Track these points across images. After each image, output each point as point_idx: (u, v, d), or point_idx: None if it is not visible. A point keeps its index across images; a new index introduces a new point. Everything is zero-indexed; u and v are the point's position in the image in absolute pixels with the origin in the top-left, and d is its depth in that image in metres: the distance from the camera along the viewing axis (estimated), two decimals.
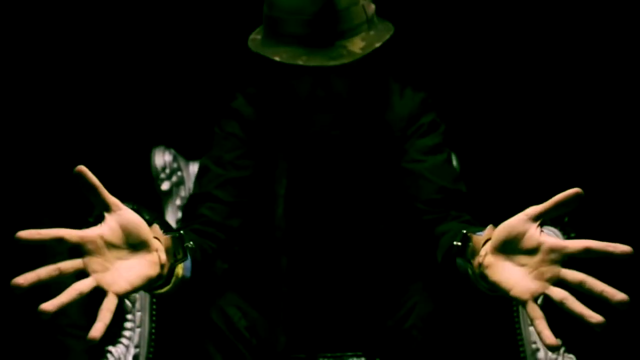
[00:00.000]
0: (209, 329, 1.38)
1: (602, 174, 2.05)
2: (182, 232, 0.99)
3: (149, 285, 0.93)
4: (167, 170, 1.77)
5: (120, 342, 1.62)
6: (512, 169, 2.08)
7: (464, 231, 1.00)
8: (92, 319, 0.82)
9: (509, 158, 2.10)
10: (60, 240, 0.83)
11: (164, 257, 0.94)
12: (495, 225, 0.94)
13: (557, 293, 0.86)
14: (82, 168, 0.85)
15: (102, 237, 0.87)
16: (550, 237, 0.89)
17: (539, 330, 0.85)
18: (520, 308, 1.64)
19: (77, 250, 0.86)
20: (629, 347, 2.06)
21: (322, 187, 1.49)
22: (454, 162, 1.76)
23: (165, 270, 0.95)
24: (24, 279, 0.80)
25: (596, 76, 2.12)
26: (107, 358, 1.59)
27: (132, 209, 0.92)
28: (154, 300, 1.66)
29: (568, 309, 0.84)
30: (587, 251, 0.85)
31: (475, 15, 2.13)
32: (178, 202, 1.78)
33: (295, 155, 1.48)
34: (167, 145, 1.79)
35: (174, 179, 1.78)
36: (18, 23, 2.09)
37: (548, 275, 0.87)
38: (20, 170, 2.07)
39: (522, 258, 0.90)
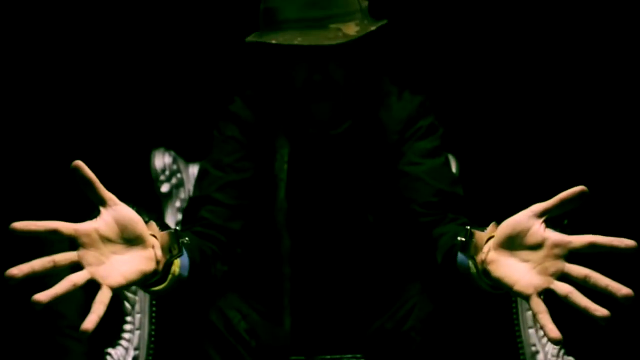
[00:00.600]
0: (209, 331, 1.38)
1: (602, 177, 2.05)
2: (177, 228, 0.99)
3: (144, 281, 0.94)
4: (167, 172, 1.77)
5: (120, 344, 1.62)
6: (510, 171, 2.08)
7: (468, 227, 1.00)
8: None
9: (508, 161, 2.10)
10: (54, 232, 0.84)
11: (159, 253, 0.95)
12: (498, 223, 0.95)
13: (562, 287, 0.86)
14: (79, 163, 0.86)
15: (97, 231, 0.87)
16: (555, 233, 0.89)
17: (543, 324, 0.84)
18: (520, 311, 1.64)
19: (74, 243, 0.86)
20: (629, 348, 2.06)
21: (320, 189, 1.50)
22: (453, 165, 1.77)
23: (161, 266, 0.95)
24: (18, 270, 0.81)
25: (596, 78, 2.12)
26: None
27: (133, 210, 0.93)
28: (154, 302, 1.66)
29: (573, 303, 0.84)
30: (592, 246, 0.85)
31: (474, 17, 2.13)
32: (178, 204, 1.78)
33: (294, 157, 1.48)
34: (167, 147, 1.79)
35: (174, 180, 1.78)
36: (18, 23, 2.09)
37: (552, 270, 0.87)
38: (20, 171, 2.07)
39: (526, 254, 0.90)
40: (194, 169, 1.80)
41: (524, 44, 2.13)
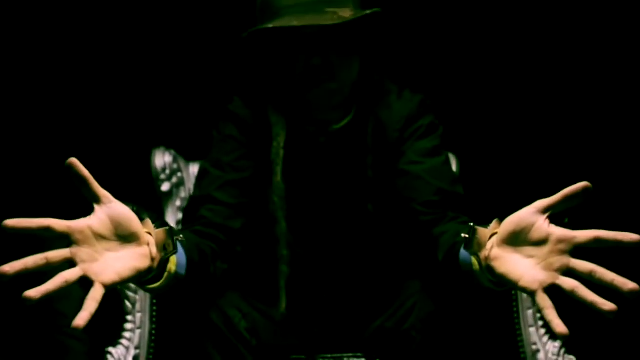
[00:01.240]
0: (209, 330, 1.38)
1: (603, 174, 2.05)
2: (172, 226, 0.99)
3: (139, 278, 0.94)
4: (167, 171, 1.77)
5: (121, 343, 1.62)
6: (511, 170, 2.08)
7: (471, 224, 1.00)
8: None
9: (508, 160, 2.10)
10: (47, 229, 0.84)
11: (154, 250, 0.95)
12: (500, 221, 0.95)
13: (568, 282, 0.86)
14: (73, 160, 0.86)
15: (90, 228, 0.88)
16: (559, 228, 0.89)
17: (549, 319, 0.84)
18: (521, 309, 1.64)
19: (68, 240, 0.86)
20: (629, 348, 2.06)
21: (317, 174, 1.50)
22: (454, 164, 1.77)
23: (156, 263, 0.95)
24: (11, 267, 0.81)
25: (595, 76, 2.12)
26: (107, 359, 1.59)
27: (132, 210, 0.93)
28: (155, 301, 1.67)
29: (580, 297, 0.84)
30: (597, 241, 0.85)
31: (474, 16, 2.13)
32: (178, 203, 1.78)
33: (291, 142, 1.48)
34: (167, 146, 1.79)
35: (174, 180, 1.78)
36: (18, 24, 2.09)
37: (557, 265, 0.87)
38: (20, 172, 2.07)
39: (531, 249, 0.90)
40: (194, 168, 1.80)
41: (523, 43, 2.13)
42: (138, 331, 1.64)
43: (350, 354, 1.50)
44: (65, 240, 0.86)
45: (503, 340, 1.72)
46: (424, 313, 1.37)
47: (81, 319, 0.81)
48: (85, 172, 0.87)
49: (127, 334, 1.63)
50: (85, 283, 0.86)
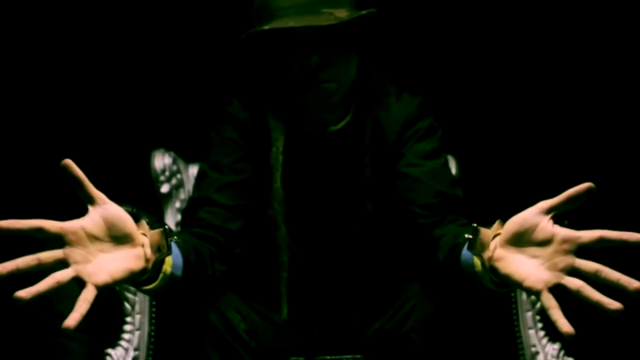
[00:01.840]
0: (208, 331, 1.38)
1: (603, 175, 2.05)
2: (167, 227, 0.99)
3: (133, 280, 0.94)
4: (167, 173, 1.77)
5: (120, 345, 1.62)
6: (510, 172, 2.08)
7: (474, 224, 1.00)
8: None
9: (508, 161, 2.10)
10: (40, 230, 0.84)
11: (149, 251, 0.94)
12: (503, 221, 0.95)
13: (573, 282, 0.86)
14: (68, 161, 0.86)
15: (83, 229, 0.88)
16: (563, 229, 0.89)
17: (555, 319, 0.84)
18: (520, 311, 1.64)
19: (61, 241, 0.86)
20: (629, 348, 2.06)
21: (316, 178, 1.50)
22: (453, 166, 1.77)
23: (150, 264, 0.95)
24: (2, 267, 0.81)
25: (595, 77, 2.12)
26: None
27: (131, 211, 0.93)
28: (154, 303, 1.66)
29: (585, 297, 0.84)
30: (602, 240, 0.86)
31: (473, 17, 2.13)
32: (178, 204, 1.78)
33: (289, 147, 1.48)
34: (167, 148, 1.79)
35: (174, 181, 1.78)
36: (18, 24, 2.09)
37: (562, 265, 0.87)
38: (19, 173, 2.07)
39: (535, 250, 0.90)
40: (194, 170, 1.79)
41: (523, 44, 2.13)
42: (137, 333, 1.64)
43: (350, 356, 1.50)
44: (59, 241, 0.86)
45: (502, 342, 1.72)
46: (423, 315, 1.37)
47: (72, 319, 0.81)
48: (79, 173, 0.87)
49: (126, 336, 1.63)
50: (84, 284, 0.86)
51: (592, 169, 2.07)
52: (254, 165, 1.48)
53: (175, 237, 1.05)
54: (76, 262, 0.86)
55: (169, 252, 1.00)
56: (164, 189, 1.76)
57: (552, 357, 1.61)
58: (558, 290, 0.87)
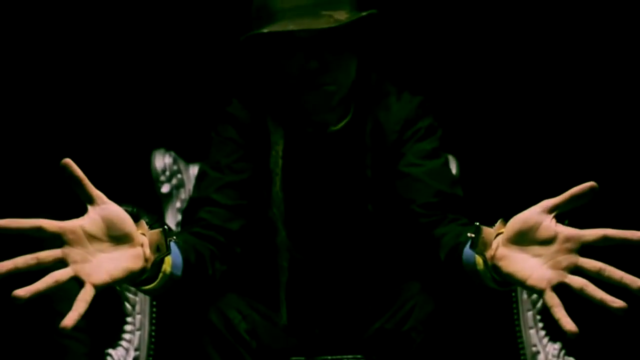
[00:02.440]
0: (209, 331, 1.38)
1: (603, 175, 2.04)
2: (166, 227, 0.99)
3: (132, 280, 0.94)
4: (167, 173, 1.77)
5: (120, 345, 1.62)
6: (511, 172, 2.08)
7: (477, 223, 1.00)
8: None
9: (508, 161, 2.10)
10: (39, 230, 0.84)
11: (148, 251, 0.94)
12: (505, 221, 0.95)
13: (576, 281, 0.86)
14: (68, 161, 0.87)
15: (82, 228, 0.88)
16: (566, 227, 0.89)
17: (558, 317, 0.85)
18: (521, 311, 1.64)
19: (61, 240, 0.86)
20: (629, 350, 2.06)
21: (316, 181, 1.50)
22: (453, 166, 1.77)
23: (149, 264, 0.95)
24: (1, 266, 0.81)
25: (595, 78, 2.12)
26: None
27: (131, 211, 0.93)
28: (154, 303, 1.67)
29: (588, 295, 0.84)
30: (605, 239, 0.86)
31: (473, 17, 2.13)
32: (178, 204, 1.78)
33: (289, 151, 1.48)
34: (167, 148, 1.79)
35: (174, 181, 1.78)
36: (18, 24, 2.09)
37: (565, 264, 0.87)
38: (19, 173, 2.07)
39: (538, 249, 0.90)
40: (194, 170, 1.80)
41: (523, 44, 2.12)
42: (138, 333, 1.64)
43: (350, 356, 1.50)
44: (58, 240, 0.86)
45: (503, 342, 1.72)
46: (423, 314, 1.37)
47: (70, 319, 0.81)
48: (79, 172, 0.87)
49: (126, 336, 1.63)
50: (83, 284, 0.86)
51: (593, 168, 2.07)
52: (254, 166, 1.48)
53: (174, 237, 1.05)
54: (75, 262, 0.86)
55: (168, 252, 1.00)
56: (165, 189, 1.77)
57: (553, 356, 1.61)
58: (561, 289, 0.87)
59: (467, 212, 1.39)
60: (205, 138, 1.55)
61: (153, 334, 1.66)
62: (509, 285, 0.99)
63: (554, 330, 1.64)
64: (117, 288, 1.62)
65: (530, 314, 1.64)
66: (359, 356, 1.50)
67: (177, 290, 1.16)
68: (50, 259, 0.85)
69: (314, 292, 1.51)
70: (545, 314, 1.64)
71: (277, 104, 1.50)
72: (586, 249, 0.88)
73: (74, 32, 2.11)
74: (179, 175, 1.79)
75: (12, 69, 2.09)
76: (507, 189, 2.03)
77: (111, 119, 2.11)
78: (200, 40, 2.12)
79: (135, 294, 1.64)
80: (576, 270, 0.87)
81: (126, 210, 0.93)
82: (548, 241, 0.89)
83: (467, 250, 1.09)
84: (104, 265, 0.88)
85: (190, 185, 1.78)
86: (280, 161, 1.46)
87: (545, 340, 1.62)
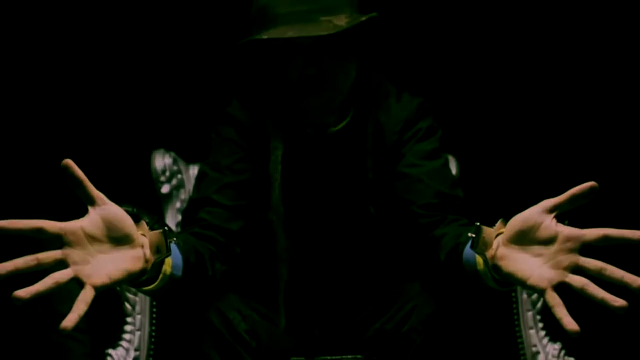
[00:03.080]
0: (209, 331, 1.38)
1: (603, 175, 2.04)
2: (166, 228, 0.99)
3: (132, 280, 0.94)
4: (167, 173, 1.77)
5: (120, 345, 1.62)
6: (510, 172, 2.08)
7: (477, 223, 1.00)
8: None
9: (508, 161, 2.10)
10: (40, 231, 0.84)
11: (148, 252, 0.94)
12: (506, 221, 0.95)
13: (577, 280, 0.86)
14: (68, 161, 0.86)
15: (83, 229, 0.88)
16: (567, 227, 0.89)
17: (560, 317, 0.85)
18: (521, 311, 1.64)
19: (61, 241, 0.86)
20: (629, 349, 2.06)
21: (316, 186, 1.50)
22: (453, 166, 1.77)
23: (150, 265, 0.95)
24: (1, 267, 0.81)
25: (595, 78, 2.12)
26: None
27: (131, 212, 0.93)
28: (154, 303, 1.67)
29: (590, 295, 0.84)
30: (605, 238, 0.86)
31: (473, 18, 2.13)
32: (178, 205, 1.78)
33: (288, 156, 1.48)
34: (167, 148, 1.79)
35: (174, 182, 1.78)
36: (18, 24, 2.09)
37: (565, 263, 0.87)
38: (19, 173, 2.07)
39: (538, 248, 0.90)
40: (194, 170, 1.80)
41: (523, 44, 2.13)
42: (138, 333, 1.64)
43: (350, 356, 1.50)
44: (59, 241, 0.86)
45: (503, 342, 1.72)
46: (423, 315, 1.37)
47: (69, 320, 0.81)
48: (80, 173, 0.87)
49: (126, 336, 1.63)
50: (83, 285, 0.86)
51: (593, 168, 2.07)
52: (254, 165, 1.48)
53: (174, 238, 1.05)
54: (75, 263, 0.86)
55: (168, 253, 1.00)
56: (165, 189, 1.77)
57: (553, 357, 1.61)
58: (561, 289, 0.87)
59: (467, 213, 1.39)
60: (205, 138, 1.55)
61: (153, 334, 1.66)
62: (510, 285, 0.99)
63: (554, 331, 1.64)
64: (117, 288, 1.62)
65: (530, 314, 1.64)
66: (359, 356, 1.50)
67: (177, 291, 1.16)
68: (51, 260, 0.85)
69: (314, 293, 1.51)
70: (545, 314, 1.64)
71: (277, 108, 1.50)
72: (587, 248, 0.88)
73: (74, 33, 2.11)
74: (179, 176, 1.79)
75: (12, 70, 2.09)
76: (507, 189, 2.03)
77: (111, 120, 2.12)
78: (200, 41, 2.12)
79: (135, 294, 1.65)
80: (577, 270, 0.87)
81: (126, 211, 0.93)
82: (548, 241, 0.89)
83: (467, 250, 1.09)
84: (104, 266, 0.88)
85: (190, 185, 1.78)
86: (279, 167, 1.46)
87: (545, 340, 1.62)
